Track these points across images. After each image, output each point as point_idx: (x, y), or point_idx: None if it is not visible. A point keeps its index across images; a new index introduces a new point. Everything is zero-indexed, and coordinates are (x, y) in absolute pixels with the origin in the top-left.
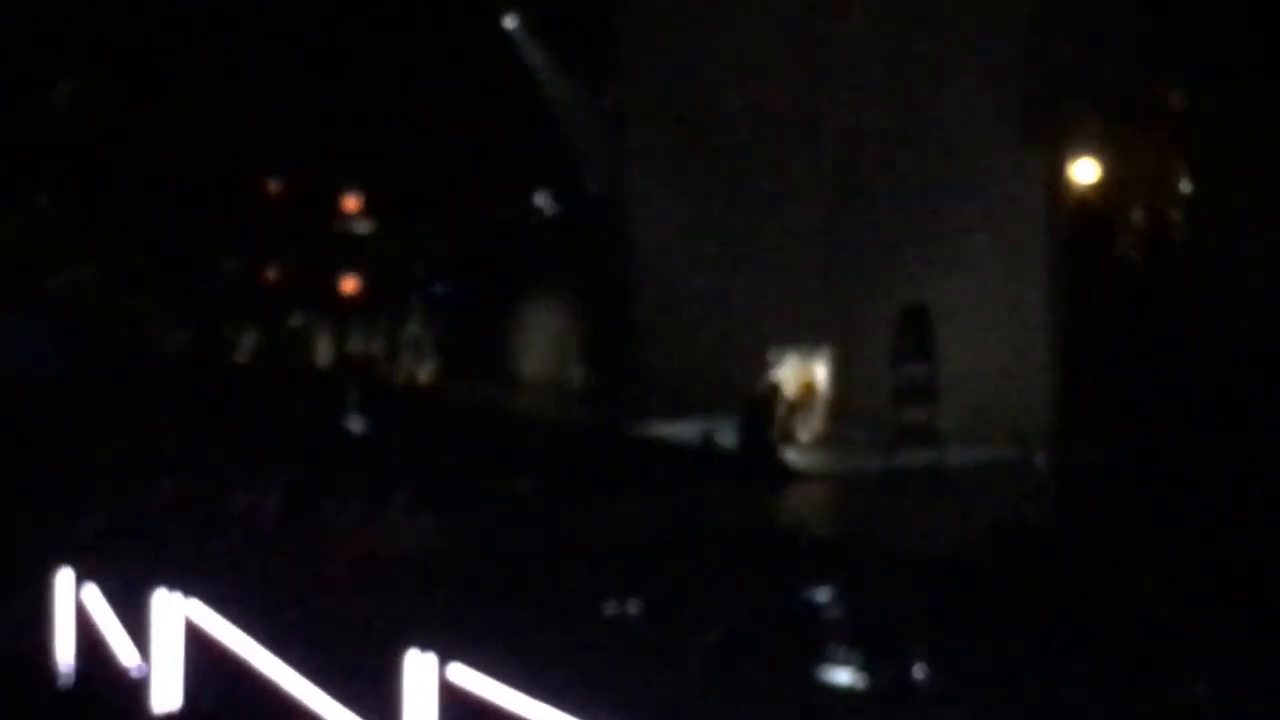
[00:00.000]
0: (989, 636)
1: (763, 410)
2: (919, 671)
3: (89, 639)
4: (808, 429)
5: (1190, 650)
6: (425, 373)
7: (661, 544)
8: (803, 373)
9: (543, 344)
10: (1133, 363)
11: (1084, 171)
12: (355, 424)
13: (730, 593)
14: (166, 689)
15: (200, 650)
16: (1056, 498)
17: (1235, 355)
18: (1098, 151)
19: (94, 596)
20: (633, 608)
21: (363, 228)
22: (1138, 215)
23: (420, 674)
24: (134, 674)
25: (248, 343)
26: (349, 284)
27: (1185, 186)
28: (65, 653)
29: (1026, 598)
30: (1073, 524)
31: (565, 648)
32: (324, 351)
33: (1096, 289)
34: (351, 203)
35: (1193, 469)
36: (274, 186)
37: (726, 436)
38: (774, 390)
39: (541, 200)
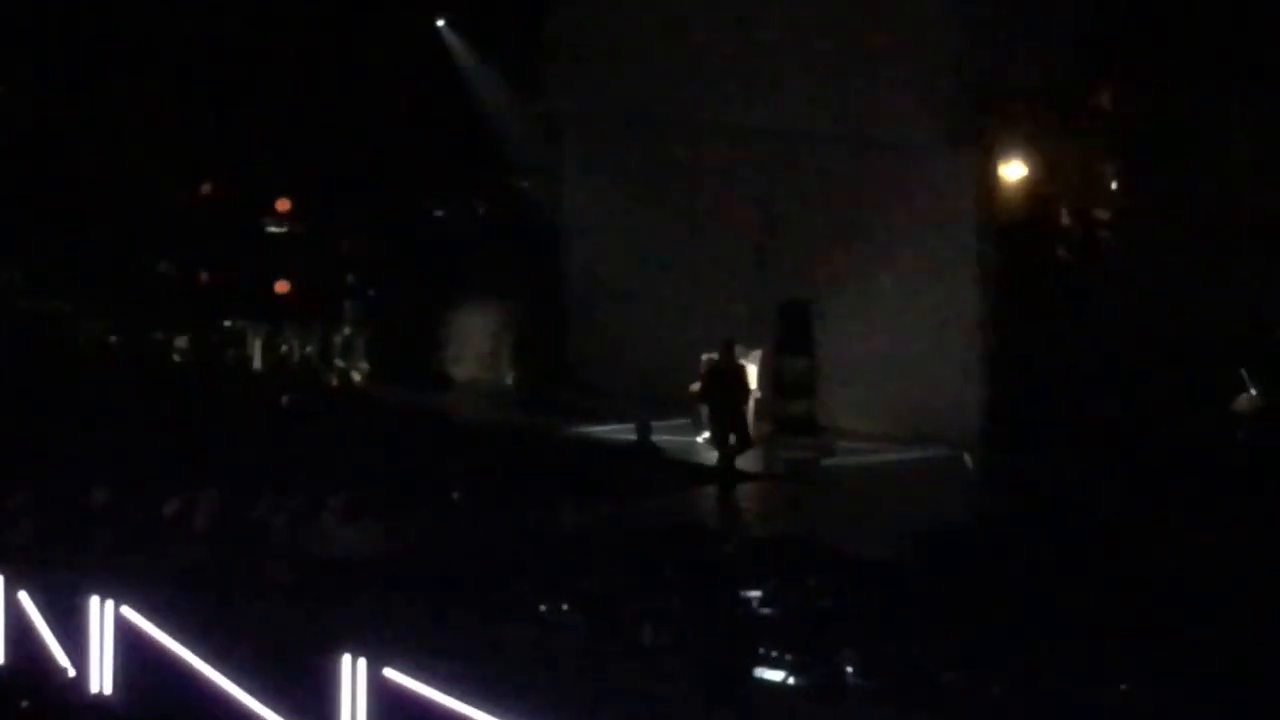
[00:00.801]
0: (919, 635)
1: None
2: (850, 669)
3: (21, 641)
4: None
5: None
6: (358, 375)
7: (595, 544)
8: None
9: (476, 346)
10: (1060, 361)
11: (1013, 171)
12: (289, 427)
13: (664, 592)
14: (98, 690)
15: (133, 653)
16: (985, 497)
17: (1161, 352)
18: (1026, 151)
19: (26, 600)
20: (567, 608)
21: (295, 230)
22: (1066, 214)
23: (354, 676)
24: (65, 677)
25: (181, 346)
26: (282, 287)
27: (1113, 185)
28: None
29: (955, 596)
30: (1001, 523)
31: (499, 649)
32: (257, 355)
33: (1025, 287)
34: (283, 205)
35: (1119, 467)
36: (206, 189)
37: (660, 437)
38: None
39: (475, 203)
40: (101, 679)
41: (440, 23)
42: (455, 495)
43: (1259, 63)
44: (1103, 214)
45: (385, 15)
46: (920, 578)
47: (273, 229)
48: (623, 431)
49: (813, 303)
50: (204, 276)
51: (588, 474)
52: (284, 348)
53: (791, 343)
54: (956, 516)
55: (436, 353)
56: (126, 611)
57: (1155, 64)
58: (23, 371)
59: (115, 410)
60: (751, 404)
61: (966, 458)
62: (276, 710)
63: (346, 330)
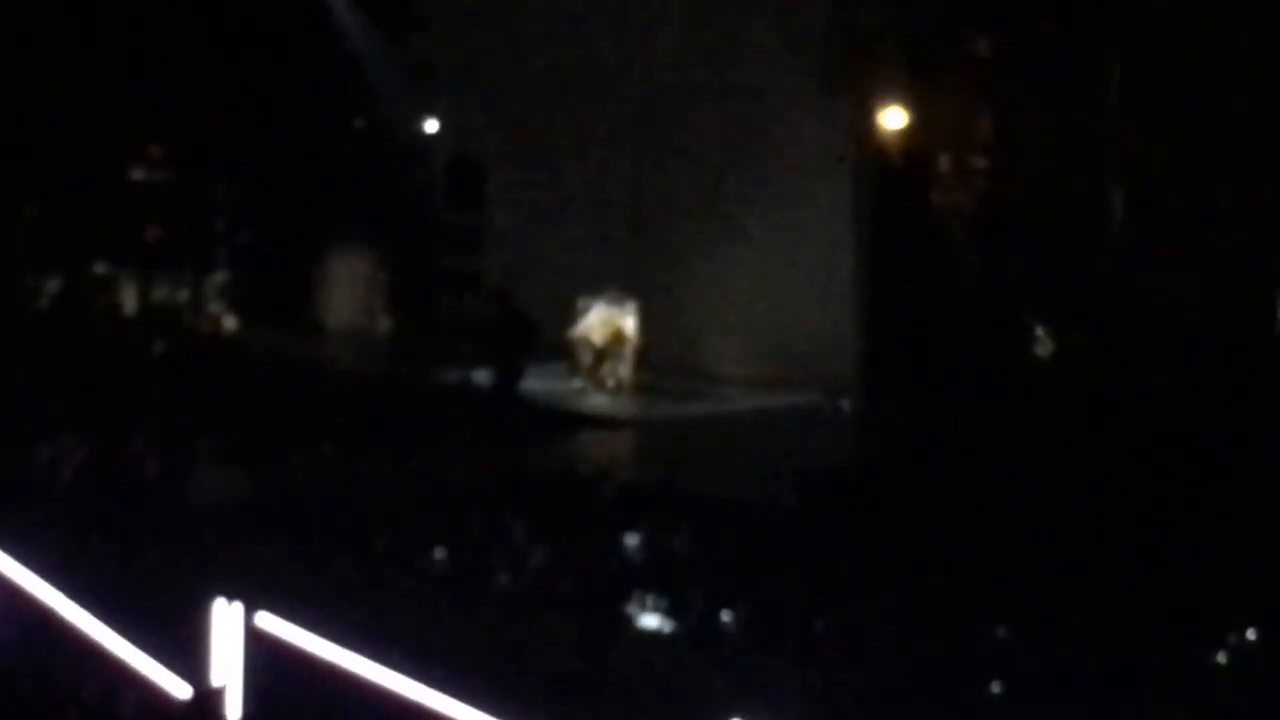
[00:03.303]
0: (794, 581)
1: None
2: (725, 616)
3: None
4: (615, 376)
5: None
6: (230, 322)
7: (467, 492)
8: (611, 321)
9: (348, 293)
10: (937, 308)
11: (891, 119)
12: (160, 374)
13: (537, 540)
14: None
15: (5, 599)
16: (859, 442)
17: (1040, 301)
18: (903, 99)
19: None
20: (439, 555)
21: (166, 176)
22: (942, 161)
23: (227, 622)
24: None
25: (50, 293)
26: (153, 233)
27: (990, 133)
28: None
29: (830, 542)
30: (876, 469)
31: (370, 596)
32: (128, 301)
33: (901, 234)
34: (154, 150)
35: (994, 414)
36: (75, 134)
37: (537, 383)
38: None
39: (348, 149)
40: None
41: None
42: (325, 442)
43: (1133, 6)
44: (979, 161)
45: None
46: (793, 522)
47: (143, 174)
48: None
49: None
50: (73, 223)
51: (461, 421)
52: (156, 294)
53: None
54: (832, 461)
55: (309, 299)
56: None
57: (1033, 10)
58: None
59: None
60: (629, 350)
61: (844, 403)
62: (149, 655)
63: (219, 277)
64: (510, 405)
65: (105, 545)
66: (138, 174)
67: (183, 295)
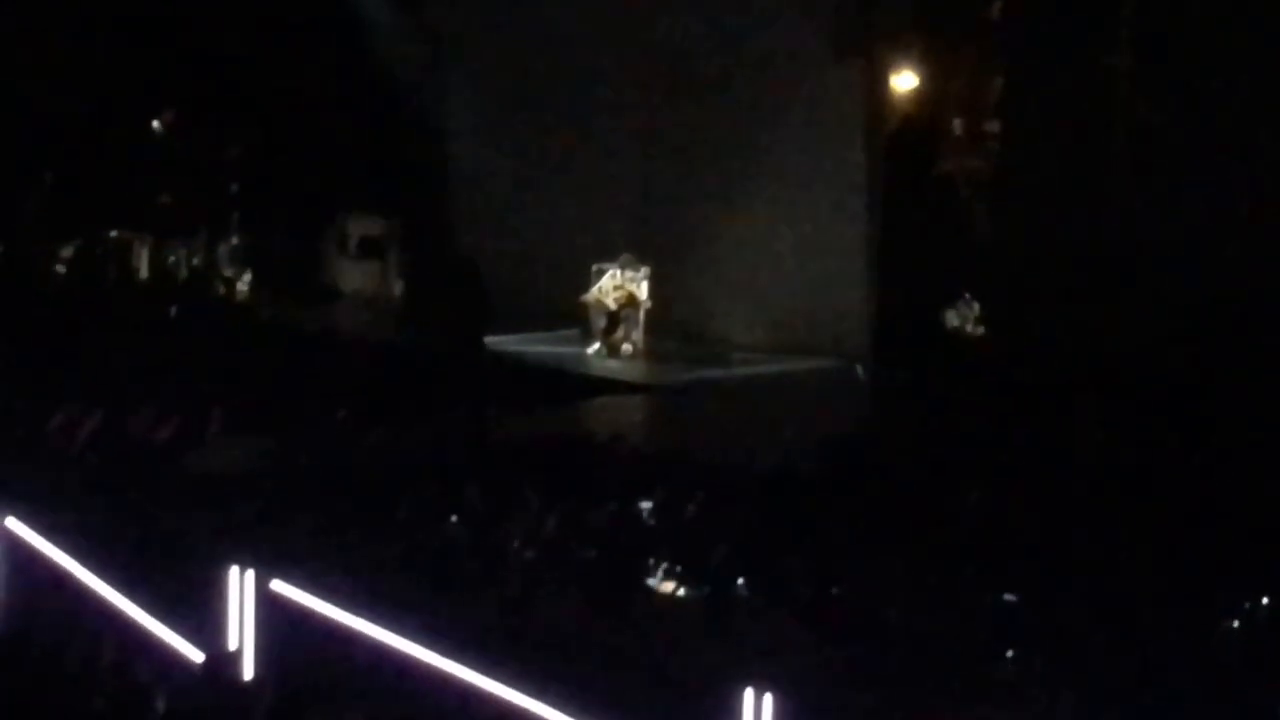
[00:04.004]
0: (810, 547)
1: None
2: (739, 583)
3: None
4: (629, 341)
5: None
6: (244, 288)
7: (481, 458)
8: (624, 286)
9: (363, 260)
10: (950, 271)
11: (903, 82)
12: (175, 339)
13: (550, 506)
14: None
15: (19, 570)
16: (875, 408)
17: (1051, 264)
18: (914, 62)
19: None
20: (454, 520)
21: (180, 141)
22: (955, 125)
23: (241, 588)
24: None
25: (63, 258)
26: (167, 199)
27: (1002, 96)
28: None
29: (846, 509)
30: (891, 435)
31: (386, 563)
32: (142, 267)
33: (914, 199)
34: (168, 117)
35: (1011, 377)
36: (90, 99)
37: (549, 347)
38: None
39: (360, 113)
40: None
41: None
42: (341, 409)
43: None
44: (991, 126)
45: None
46: (809, 489)
47: (157, 139)
48: (508, 344)
49: None
50: (87, 188)
51: (474, 388)
52: (170, 259)
53: None
54: (848, 428)
55: (324, 266)
56: (10, 523)
57: None
58: None
59: None
60: (642, 315)
61: (858, 369)
62: (164, 622)
63: (233, 241)
64: (527, 373)
65: (120, 512)
66: (151, 138)
67: (198, 260)
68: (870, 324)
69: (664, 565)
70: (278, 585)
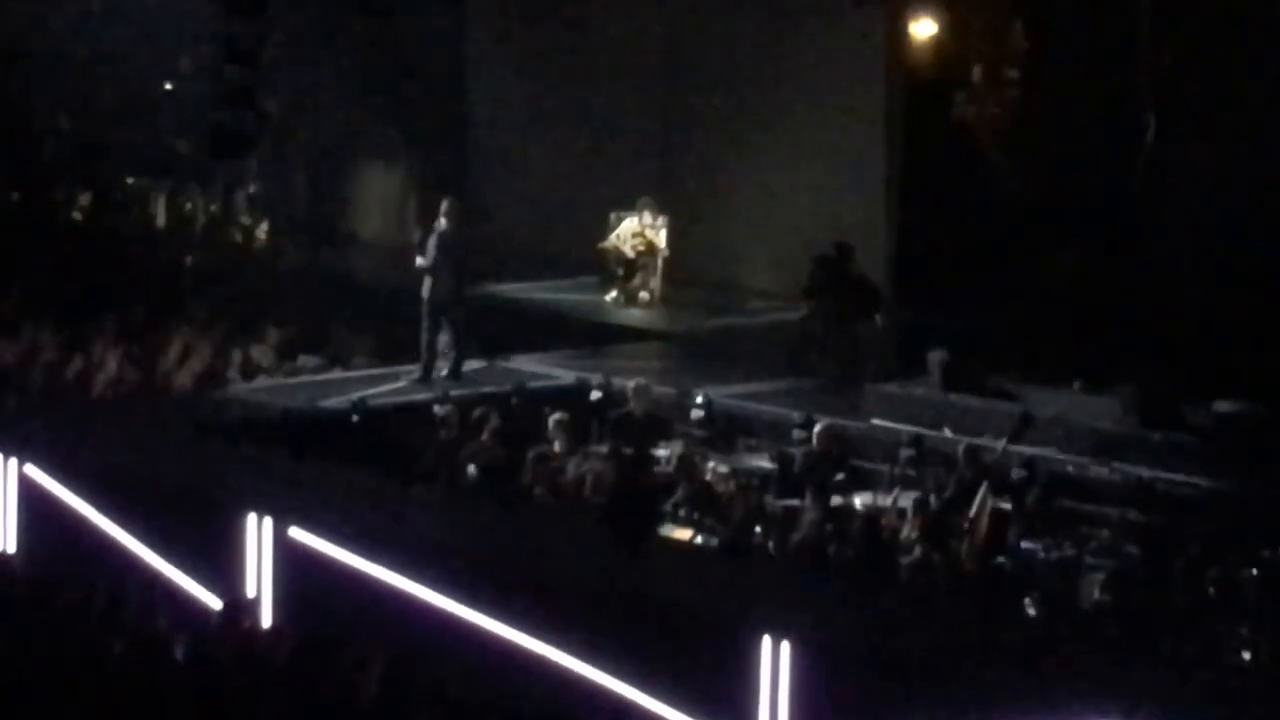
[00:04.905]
0: (823, 493)
1: None
2: (757, 529)
3: None
4: (647, 289)
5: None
6: (262, 233)
7: (496, 405)
8: (642, 233)
9: (382, 205)
10: (967, 220)
11: (922, 27)
12: (194, 286)
13: (566, 452)
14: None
15: (38, 514)
16: (892, 356)
17: (1069, 212)
18: (934, 7)
19: None
20: (472, 469)
21: (198, 87)
22: (975, 72)
23: (260, 536)
24: None
25: (83, 204)
26: (185, 144)
27: (1023, 42)
28: None
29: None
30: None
31: (405, 510)
32: (160, 213)
33: (933, 145)
34: (184, 63)
35: (1026, 326)
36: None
37: (570, 295)
38: None
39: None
40: (4, 538)
41: None
42: (358, 357)
43: None
44: (1012, 72)
45: None
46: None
47: (172, 85)
48: (527, 290)
49: None
50: (104, 133)
51: (492, 333)
52: (187, 206)
53: None
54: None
55: (342, 210)
56: (30, 470)
57: None
58: None
59: (15, 270)
60: (660, 262)
61: (876, 316)
62: (181, 568)
63: (251, 188)
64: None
65: (136, 458)
66: (168, 84)
67: (216, 207)
68: (889, 269)
69: (680, 511)
70: (295, 532)
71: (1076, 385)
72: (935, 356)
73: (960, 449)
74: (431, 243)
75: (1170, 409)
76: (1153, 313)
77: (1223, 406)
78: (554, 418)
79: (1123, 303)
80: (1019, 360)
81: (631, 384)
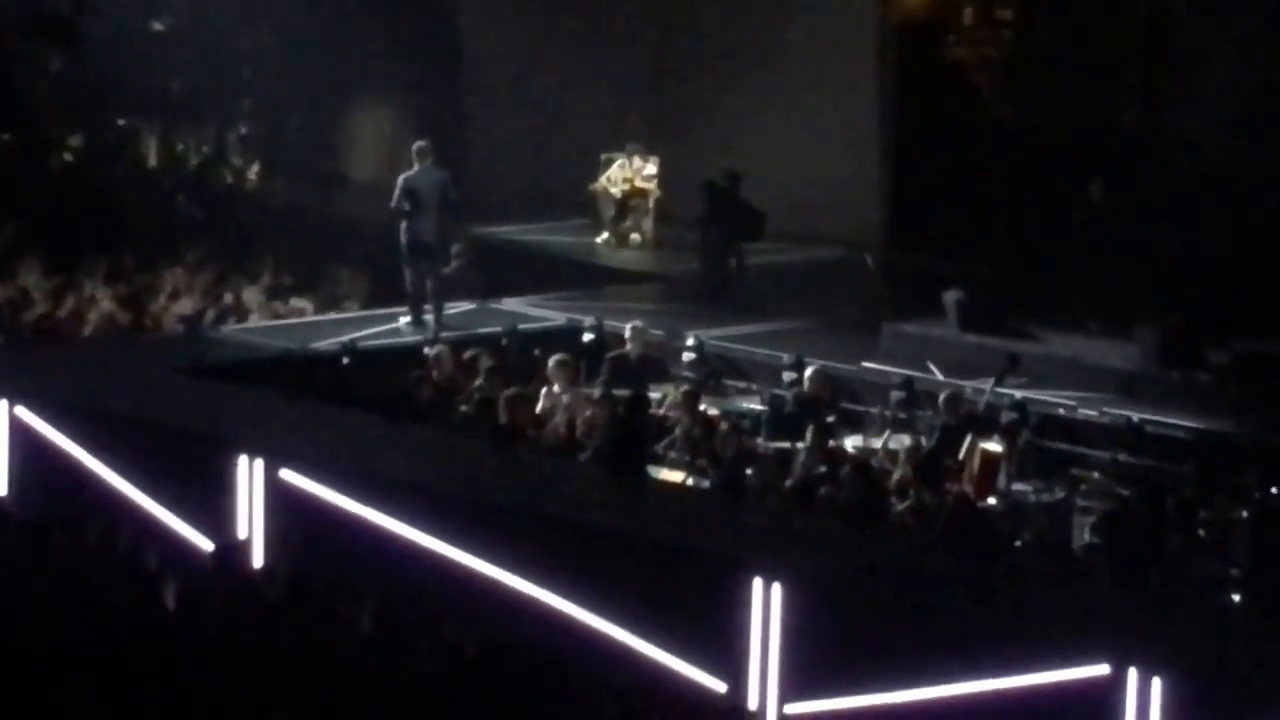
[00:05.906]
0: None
1: None
2: (750, 471)
3: None
4: (639, 231)
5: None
6: (254, 173)
7: (490, 346)
8: (633, 175)
9: (374, 145)
10: (960, 161)
11: None
12: (186, 225)
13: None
14: None
15: (29, 455)
16: (886, 297)
17: (1062, 156)
18: None
19: None
20: (465, 409)
21: (187, 27)
22: (968, 14)
23: (251, 477)
24: None
25: (74, 145)
26: (177, 84)
27: None
28: None
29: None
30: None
31: (398, 452)
32: (152, 154)
33: (925, 88)
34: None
35: (1018, 269)
36: None
37: (560, 237)
38: None
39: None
40: None
41: None
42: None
43: None
44: (1005, 14)
45: None
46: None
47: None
48: (517, 233)
49: None
50: (96, 73)
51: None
52: (179, 147)
53: None
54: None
55: (334, 151)
56: (20, 412)
57: None
58: None
59: (6, 211)
60: (652, 205)
61: (867, 259)
62: (172, 510)
63: (242, 129)
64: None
65: (127, 400)
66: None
67: (208, 148)
68: (884, 212)
69: (672, 452)
70: (287, 473)
71: (1094, 325)
72: (951, 296)
73: (941, 397)
74: (402, 186)
75: (1189, 348)
76: (1164, 251)
77: (1241, 346)
78: (554, 359)
79: (1136, 240)
80: (1035, 301)
81: (629, 326)
